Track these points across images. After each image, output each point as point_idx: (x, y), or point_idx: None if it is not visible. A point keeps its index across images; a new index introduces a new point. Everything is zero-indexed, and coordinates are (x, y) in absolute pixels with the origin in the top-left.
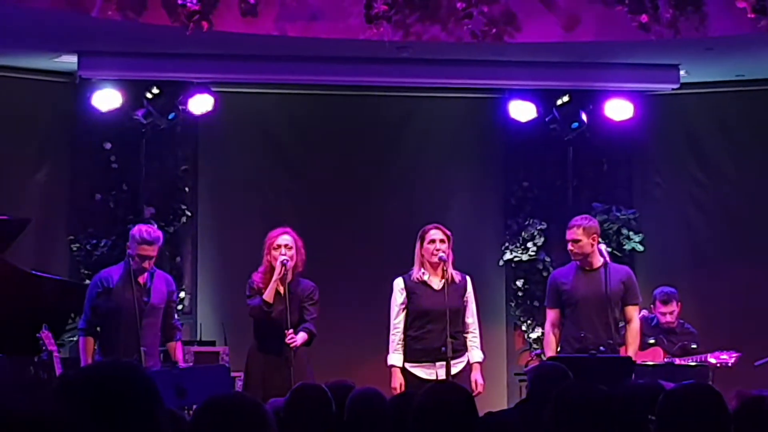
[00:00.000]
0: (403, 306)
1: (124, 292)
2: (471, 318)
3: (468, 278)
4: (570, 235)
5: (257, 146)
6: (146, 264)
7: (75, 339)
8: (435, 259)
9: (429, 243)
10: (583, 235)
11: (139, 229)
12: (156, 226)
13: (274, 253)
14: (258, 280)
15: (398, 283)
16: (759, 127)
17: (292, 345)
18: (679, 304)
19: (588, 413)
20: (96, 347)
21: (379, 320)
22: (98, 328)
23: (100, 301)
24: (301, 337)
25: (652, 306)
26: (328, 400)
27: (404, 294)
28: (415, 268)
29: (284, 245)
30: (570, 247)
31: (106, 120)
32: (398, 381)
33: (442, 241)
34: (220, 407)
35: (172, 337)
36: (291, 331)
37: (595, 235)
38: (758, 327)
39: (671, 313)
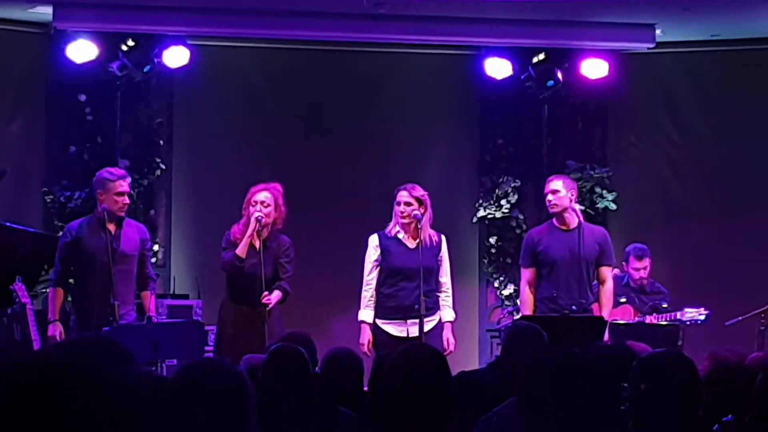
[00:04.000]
0: (377, 263)
1: (93, 239)
2: (444, 277)
3: (443, 238)
4: (550, 185)
5: (233, 100)
6: (128, 201)
7: (48, 291)
8: (401, 221)
9: (396, 204)
10: (563, 187)
11: (107, 170)
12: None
13: (251, 209)
14: (236, 231)
15: (373, 239)
16: (734, 87)
17: (268, 306)
18: (651, 261)
19: (559, 375)
20: (69, 299)
21: (353, 276)
22: (70, 280)
23: (69, 251)
24: (276, 296)
25: (624, 263)
26: (306, 362)
27: (378, 251)
28: (391, 224)
29: (261, 202)
30: (549, 197)
31: (81, 72)
32: (367, 337)
33: (407, 203)
34: (198, 373)
35: (146, 286)
36: (267, 293)
37: (573, 191)
38: (730, 285)
39: (645, 268)
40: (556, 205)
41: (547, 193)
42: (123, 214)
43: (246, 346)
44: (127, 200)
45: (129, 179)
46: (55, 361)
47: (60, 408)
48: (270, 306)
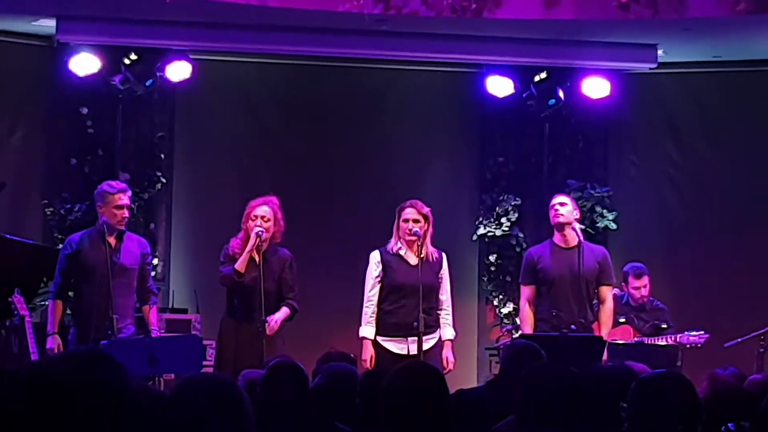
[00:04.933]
0: (378, 279)
1: (93, 252)
2: (444, 295)
3: (444, 255)
4: (557, 198)
5: (234, 114)
6: (127, 215)
7: (47, 303)
8: (408, 238)
9: (403, 221)
10: (570, 202)
11: (107, 183)
12: (130, 192)
13: (250, 223)
14: (234, 246)
15: (374, 255)
16: (735, 108)
17: (270, 330)
18: (649, 279)
19: (558, 394)
20: (68, 311)
21: (352, 291)
22: (70, 293)
23: (69, 263)
24: (284, 312)
25: (623, 284)
26: (304, 377)
27: (380, 267)
28: (392, 241)
29: (261, 216)
30: (557, 208)
31: (83, 85)
32: (369, 353)
33: (415, 220)
34: (196, 387)
35: (147, 300)
36: (273, 316)
37: (577, 211)
38: (730, 306)
39: (644, 287)
40: (562, 215)
41: (553, 204)
42: (123, 227)
43: (246, 362)
44: (126, 214)
45: (129, 193)
46: (49, 374)
47: (55, 420)
48: (275, 329)
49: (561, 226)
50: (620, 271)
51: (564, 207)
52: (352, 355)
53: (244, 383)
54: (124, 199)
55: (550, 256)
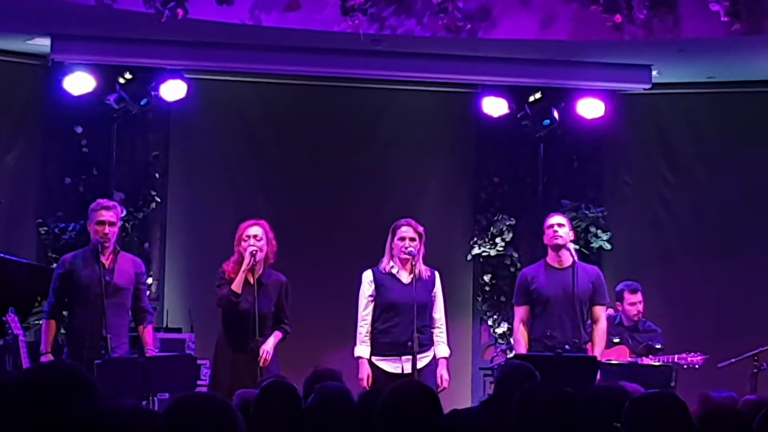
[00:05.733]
0: (372, 298)
1: (86, 272)
2: (438, 313)
3: (437, 274)
4: (555, 218)
5: (229, 134)
6: (108, 231)
7: (41, 323)
8: (404, 256)
9: (399, 239)
10: (567, 222)
11: (96, 201)
12: (125, 211)
13: (243, 244)
14: (229, 270)
15: (367, 275)
16: (729, 129)
17: (263, 363)
18: (643, 297)
19: (552, 415)
20: (61, 331)
21: (347, 311)
22: (64, 312)
23: (63, 282)
24: (276, 338)
25: (617, 303)
26: (298, 397)
27: (373, 286)
28: (385, 260)
29: (254, 236)
30: (555, 229)
31: (77, 104)
32: (365, 372)
33: (412, 239)
34: (189, 406)
35: (142, 320)
36: (263, 350)
37: (572, 231)
38: (723, 327)
39: (639, 302)
40: (561, 236)
41: (552, 225)
42: (106, 244)
43: (241, 383)
44: (107, 230)
45: (116, 210)
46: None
47: None
48: (268, 360)
49: (558, 248)
50: (613, 291)
51: (562, 228)
52: (338, 372)
53: (238, 402)
54: (105, 215)
55: (543, 276)
